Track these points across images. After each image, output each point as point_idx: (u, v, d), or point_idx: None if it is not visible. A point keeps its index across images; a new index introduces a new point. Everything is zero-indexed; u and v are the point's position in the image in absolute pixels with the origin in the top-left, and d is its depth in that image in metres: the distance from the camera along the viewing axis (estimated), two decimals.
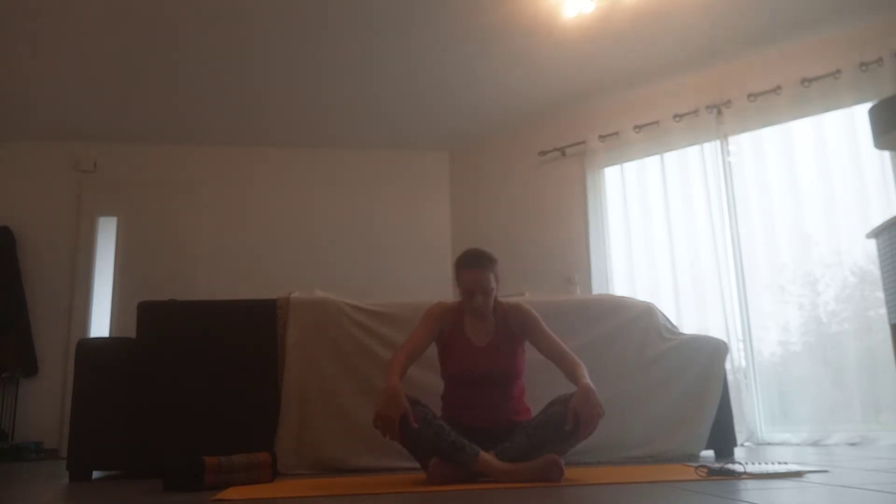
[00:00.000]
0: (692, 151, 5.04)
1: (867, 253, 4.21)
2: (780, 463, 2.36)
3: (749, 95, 4.79)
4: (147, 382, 3.02)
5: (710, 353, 3.32)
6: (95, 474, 3.13)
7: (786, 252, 4.55)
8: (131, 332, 3.21)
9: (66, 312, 5.65)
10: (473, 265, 2.52)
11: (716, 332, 4.46)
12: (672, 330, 3.39)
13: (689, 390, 3.24)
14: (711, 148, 4.96)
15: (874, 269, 4.10)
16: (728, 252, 4.75)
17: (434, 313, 2.60)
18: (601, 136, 5.46)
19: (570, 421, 2.28)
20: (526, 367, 2.64)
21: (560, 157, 5.75)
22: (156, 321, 3.11)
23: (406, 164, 6.40)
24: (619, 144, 5.37)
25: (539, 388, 2.68)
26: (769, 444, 4.31)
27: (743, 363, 4.56)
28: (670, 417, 3.18)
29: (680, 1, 4.21)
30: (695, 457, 3.11)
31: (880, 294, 4.06)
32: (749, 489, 1.78)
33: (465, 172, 6.38)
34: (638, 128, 5.26)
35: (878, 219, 4.09)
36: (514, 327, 2.59)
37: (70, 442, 2.93)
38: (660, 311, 3.41)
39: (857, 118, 4.35)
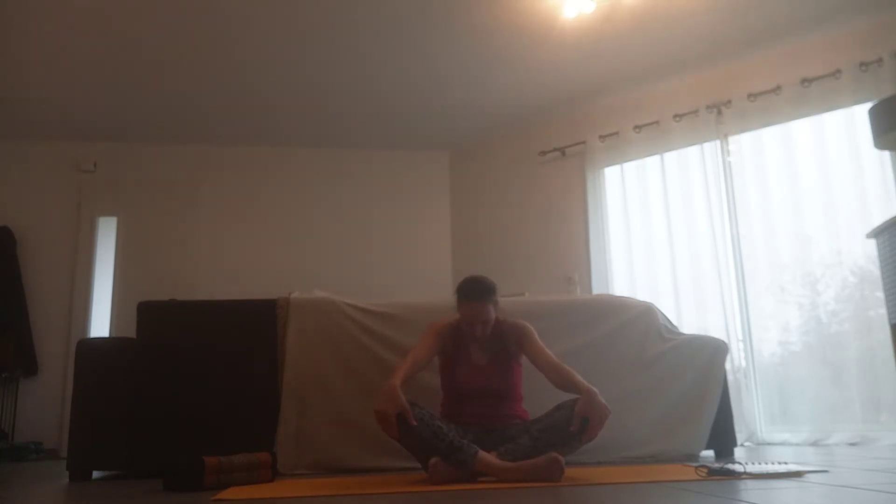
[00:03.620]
0: (692, 151, 5.05)
1: (867, 253, 4.21)
2: (780, 463, 2.36)
3: (749, 95, 4.79)
4: (147, 382, 3.02)
5: (710, 353, 3.31)
6: (95, 474, 3.13)
7: (786, 252, 4.55)
8: (131, 332, 3.22)
9: (66, 312, 5.65)
10: (473, 298, 2.57)
11: (716, 332, 4.47)
12: (672, 330, 3.39)
13: (689, 390, 3.23)
14: (711, 148, 4.96)
15: (874, 269, 4.10)
16: (728, 252, 4.75)
17: (435, 328, 2.66)
18: (601, 136, 5.46)
19: (577, 423, 2.31)
20: (522, 377, 2.70)
21: (560, 157, 5.75)
22: (156, 321, 3.11)
23: (406, 164, 6.40)
24: (619, 144, 5.37)
25: (540, 392, 2.68)
26: (769, 444, 4.31)
27: (743, 363, 4.56)
28: (670, 417, 3.18)
29: (680, 1, 4.21)
30: (695, 457, 3.11)
31: (880, 294, 4.06)
32: (749, 489, 1.78)
33: (465, 172, 6.38)
34: (638, 128, 5.26)
35: (878, 219, 4.09)
36: (512, 344, 2.67)
37: (70, 442, 2.93)
38: (660, 311, 3.41)
39: (857, 118, 4.35)
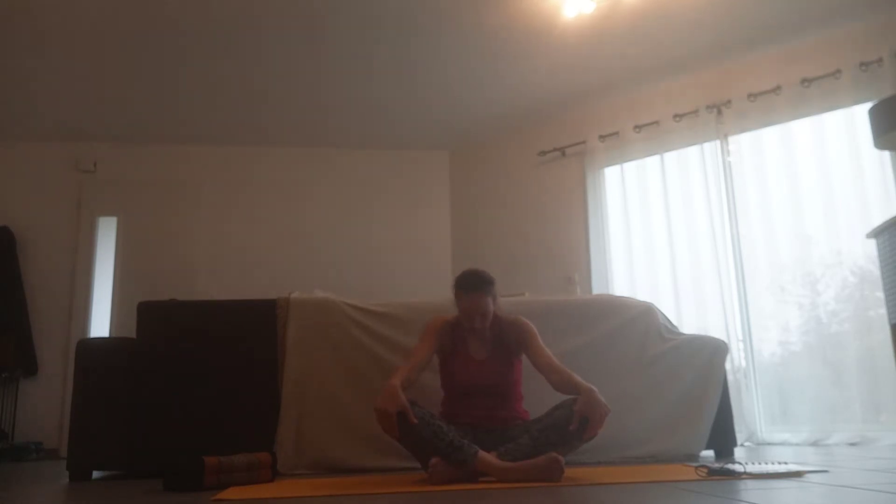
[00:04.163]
0: (692, 151, 5.04)
1: (867, 253, 4.21)
2: (780, 463, 2.36)
3: (749, 95, 4.79)
4: (147, 382, 3.02)
5: (710, 353, 3.31)
6: (95, 474, 3.13)
7: (786, 252, 4.55)
8: (131, 332, 3.21)
9: (66, 312, 5.65)
10: (472, 289, 2.57)
11: (716, 332, 4.46)
12: (672, 330, 3.39)
13: (689, 390, 3.23)
14: (711, 148, 4.96)
15: (874, 269, 4.10)
16: (728, 252, 4.75)
17: (433, 327, 2.65)
18: (601, 136, 5.46)
19: (576, 422, 2.30)
20: (525, 377, 2.69)
21: (560, 157, 5.75)
22: (156, 321, 3.11)
23: (406, 164, 6.40)
24: (619, 144, 5.37)
25: (540, 392, 2.68)
26: (769, 444, 4.31)
27: (743, 363, 4.56)
28: (670, 417, 3.18)
29: (680, 1, 4.21)
30: (695, 457, 3.11)
31: (880, 294, 4.06)
32: (749, 489, 1.78)
33: (465, 172, 6.38)
34: (638, 128, 5.26)
35: (878, 219, 4.09)
36: (512, 342, 2.65)
37: (70, 442, 2.93)
38: (660, 311, 3.41)
39: (857, 118, 4.35)
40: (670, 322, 3.45)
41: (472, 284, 2.58)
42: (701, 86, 5.08)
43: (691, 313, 4.80)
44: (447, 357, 2.67)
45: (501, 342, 2.65)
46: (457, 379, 2.62)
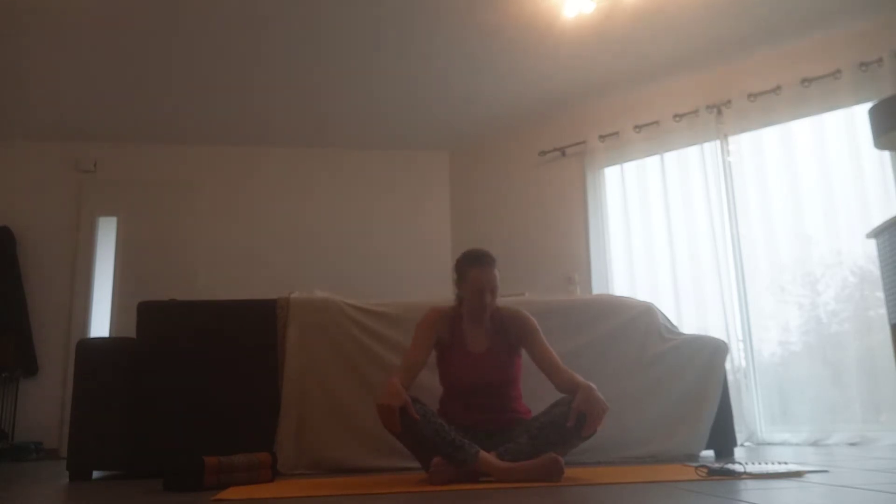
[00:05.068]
0: (692, 151, 5.05)
1: (867, 253, 4.21)
2: (780, 463, 2.36)
3: (749, 95, 4.79)
4: (147, 382, 3.02)
5: (710, 353, 3.31)
6: (95, 474, 3.13)
7: (786, 252, 4.55)
8: (131, 332, 3.22)
9: (66, 312, 5.65)
10: (481, 263, 2.51)
11: (716, 332, 4.46)
12: (672, 330, 3.39)
13: (689, 390, 3.23)
14: (711, 148, 4.96)
15: (874, 269, 4.10)
16: (728, 252, 4.75)
17: (429, 322, 2.58)
18: (601, 136, 5.46)
19: (573, 418, 2.29)
20: (522, 372, 2.65)
21: (560, 157, 5.75)
22: (156, 321, 3.11)
23: (406, 164, 6.40)
24: (619, 144, 5.37)
25: (539, 390, 2.68)
26: (769, 444, 4.31)
27: (743, 363, 4.56)
28: (670, 417, 3.18)
29: (680, 1, 4.21)
30: (695, 457, 3.11)
31: (880, 294, 4.06)
32: (749, 489, 1.78)
33: (465, 172, 6.38)
34: (638, 128, 5.26)
35: (878, 219, 4.09)
36: (512, 335, 2.59)
37: (70, 442, 2.93)
38: (660, 311, 3.41)
39: (857, 118, 4.35)
40: (670, 322, 3.45)
41: (480, 258, 2.51)
42: (701, 86, 5.08)
43: (691, 313, 4.80)
44: (445, 350, 2.60)
45: (501, 335, 2.59)
46: (455, 373, 2.56)
